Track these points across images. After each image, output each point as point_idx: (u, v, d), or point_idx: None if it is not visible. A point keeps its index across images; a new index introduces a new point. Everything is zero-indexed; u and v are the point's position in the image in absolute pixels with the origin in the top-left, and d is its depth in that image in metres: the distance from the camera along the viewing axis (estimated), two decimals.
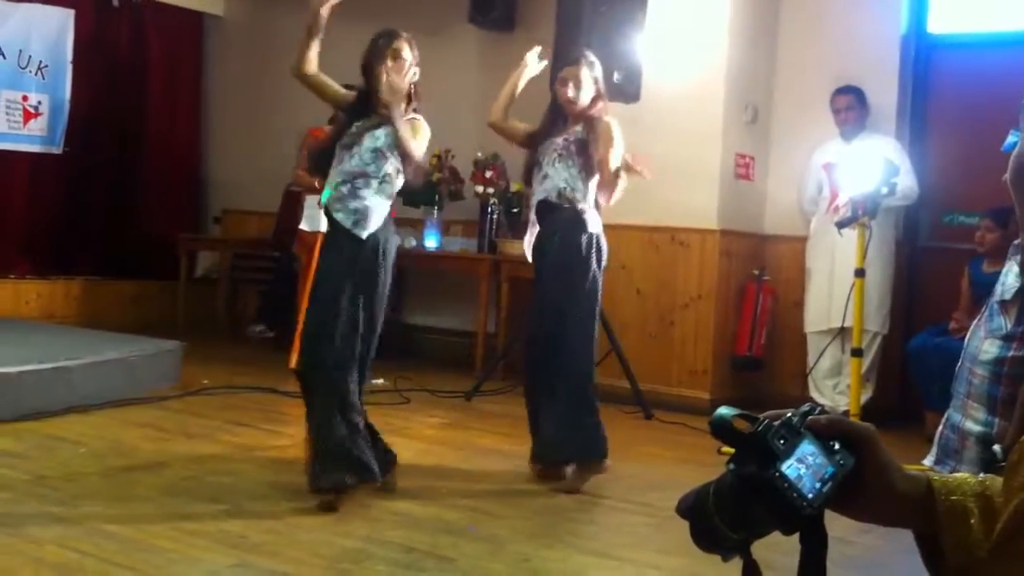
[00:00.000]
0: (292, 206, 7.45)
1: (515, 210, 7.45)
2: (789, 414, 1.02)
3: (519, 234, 7.41)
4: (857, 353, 5.14)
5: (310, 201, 6.85)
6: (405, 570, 3.12)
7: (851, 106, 6.04)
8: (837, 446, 1.02)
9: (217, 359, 6.87)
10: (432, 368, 7.11)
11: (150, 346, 5.96)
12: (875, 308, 5.90)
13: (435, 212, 7.63)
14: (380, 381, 6.50)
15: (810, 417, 1.03)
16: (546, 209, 4.41)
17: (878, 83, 6.14)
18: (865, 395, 5.59)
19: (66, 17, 8.58)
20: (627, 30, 5.97)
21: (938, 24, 6.41)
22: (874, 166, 5.13)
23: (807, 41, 6.47)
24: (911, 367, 5.77)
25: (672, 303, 6.34)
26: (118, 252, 9.01)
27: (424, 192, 7.49)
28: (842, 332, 5.86)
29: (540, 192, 4.44)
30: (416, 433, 5.17)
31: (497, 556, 3.31)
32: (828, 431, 1.02)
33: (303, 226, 6.93)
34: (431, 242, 7.61)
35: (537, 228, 4.47)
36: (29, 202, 8.58)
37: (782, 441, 0.99)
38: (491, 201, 7.41)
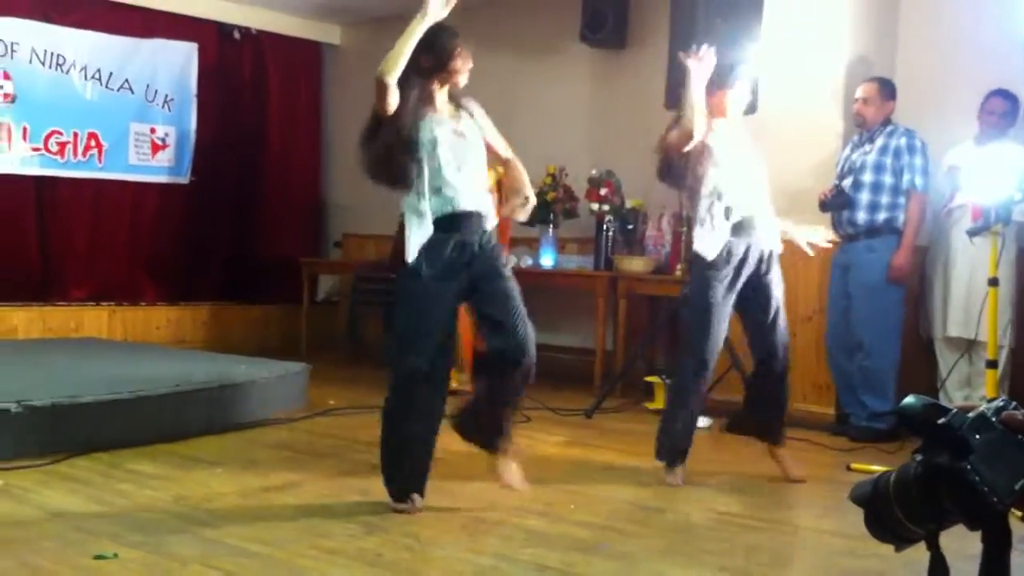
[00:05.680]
0: None
1: (630, 227, 7.44)
2: (983, 407, 1.00)
3: (635, 251, 7.41)
4: (992, 365, 4.97)
5: None
6: None
7: (1006, 112, 5.84)
8: None
9: (340, 380, 7.01)
10: (550, 386, 7.11)
11: (278, 368, 6.10)
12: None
13: (550, 230, 7.67)
14: None
15: (1005, 412, 1.01)
16: None
17: (1004, 85, 5.95)
18: None
19: (190, 51, 8.90)
20: (743, 42, 5.91)
21: None
22: (1008, 171, 4.96)
23: (928, 44, 6.30)
24: None
25: (793, 316, 6.19)
26: (243, 277, 9.28)
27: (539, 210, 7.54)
28: (970, 344, 5.70)
29: None
30: (539, 451, 5.18)
31: (632, 575, 3.30)
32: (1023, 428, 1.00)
33: None
34: (547, 260, 7.65)
35: None
36: (158, 231, 8.90)
37: (976, 434, 0.97)
38: (606, 218, 7.41)
